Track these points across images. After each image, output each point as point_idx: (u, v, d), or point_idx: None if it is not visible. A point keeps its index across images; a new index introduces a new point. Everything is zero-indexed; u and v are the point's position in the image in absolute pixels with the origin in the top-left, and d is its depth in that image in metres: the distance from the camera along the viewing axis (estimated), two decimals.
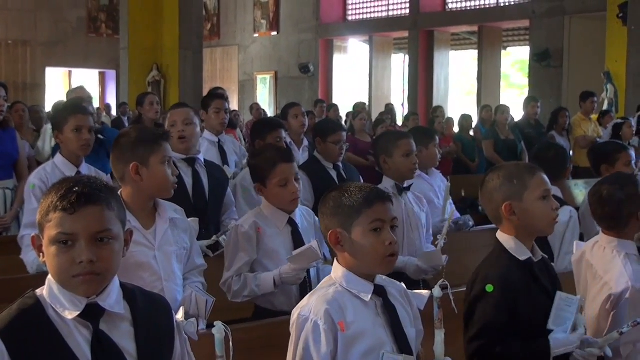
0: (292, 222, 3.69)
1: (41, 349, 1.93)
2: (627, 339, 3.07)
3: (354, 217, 2.47)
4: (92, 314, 1.98)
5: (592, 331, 3.22)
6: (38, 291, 2.02)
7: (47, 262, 1.99)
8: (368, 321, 2.46)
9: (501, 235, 2.95)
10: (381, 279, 2.57)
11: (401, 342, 2.47)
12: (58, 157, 4.46)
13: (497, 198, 2.91)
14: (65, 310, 1.97)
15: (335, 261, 2.57)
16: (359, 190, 2.52)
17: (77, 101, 5.73)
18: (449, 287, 2.61)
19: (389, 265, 2.50)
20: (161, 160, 3.22)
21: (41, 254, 2.01)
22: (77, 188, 1.96)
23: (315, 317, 2.41)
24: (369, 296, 2.48)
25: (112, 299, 2.02)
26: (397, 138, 4.55)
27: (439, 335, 2.53)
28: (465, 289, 3.00)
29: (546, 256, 3.01)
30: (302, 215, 3.79)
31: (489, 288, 2.80)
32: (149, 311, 2.11)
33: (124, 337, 2.03)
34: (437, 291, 2.54)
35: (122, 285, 2.09)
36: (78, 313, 1.96)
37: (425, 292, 2.69)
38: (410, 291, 2.66)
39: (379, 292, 2.51)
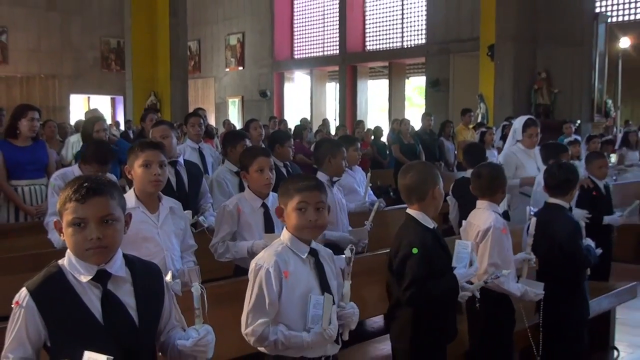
0: (264, 205, 3.70)
1: (63, 304, 1.90)
2: None
3: (288, 198, 2.50)
4: (101, 278, 1.94)
5: None
6: (60, 261, 1.98)
7: (66, 240, 1.94)
8: (304, 273, 2.47)
9: (412, 211, 3.00)
10: (317, 245, 2.58)
11: (325, 289, 2.49)
12: (76, 169, 4.37)
13: (431, 182, 2.96)
14: (81, 275, 1.93)
15: (284, 228, 2.59)
16: (301, 180, 2.55)
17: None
18: (354, 250, 2.63)
19: (311, 233, 2.51)
20: (141, 163, 3.14)
21: (62, 234, 1.97)
22: (86, 183, 1.93)
23: (268, 265, 2.42)
24: (305, 255, 2.49)
25: (117, 265, 1.98)
26: (340, 145, 4.60)
27: (347, 285, 2.56)
28: (385, 251, 3.08)
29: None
30: (274, 200, 3.76)
31: (414, 250, 2.84)
32: (145, 275, 2.07)
33: (126, 294, 1.99)
34: (347, 252, 2.57)
35: (124, 255, 2.05)
36: (91, 277, 1.93)
37: (343, 256, 2.72)
38: (335, 255, 2.69)
39: (313, 253, 2.52)
